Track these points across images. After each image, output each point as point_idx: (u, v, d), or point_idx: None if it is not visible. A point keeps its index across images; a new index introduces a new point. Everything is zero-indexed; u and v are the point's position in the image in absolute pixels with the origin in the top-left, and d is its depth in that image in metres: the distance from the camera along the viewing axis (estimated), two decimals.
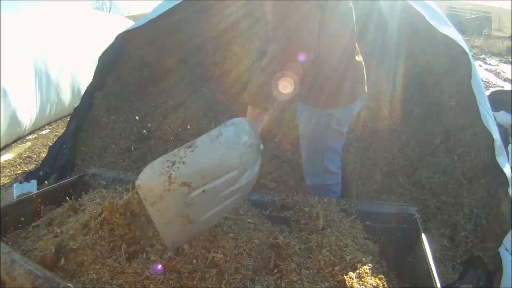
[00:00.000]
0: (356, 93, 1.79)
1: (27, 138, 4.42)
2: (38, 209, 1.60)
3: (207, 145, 1.14)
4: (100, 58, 3.28)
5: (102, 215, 1.33)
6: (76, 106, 3.30)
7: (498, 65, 9.86)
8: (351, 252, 1.30)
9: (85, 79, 5.22)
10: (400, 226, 1.57)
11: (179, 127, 3.27)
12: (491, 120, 2.29)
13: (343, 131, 1.85)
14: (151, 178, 1.08)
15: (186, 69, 3.69)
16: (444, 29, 2.54)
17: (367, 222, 1.58)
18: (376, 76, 2.93)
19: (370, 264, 1.27)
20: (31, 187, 2.71)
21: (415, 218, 1.56)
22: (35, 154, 3.92)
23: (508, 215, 2.03)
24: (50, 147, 3.19)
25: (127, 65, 3.45)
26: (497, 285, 1.82)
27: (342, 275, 1.21)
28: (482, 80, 2.81)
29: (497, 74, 8.70)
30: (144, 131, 3.28)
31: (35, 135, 4.54)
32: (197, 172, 1.11)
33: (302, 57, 1.44)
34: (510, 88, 6.95)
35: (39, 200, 1.63)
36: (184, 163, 1.08)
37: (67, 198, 1.64)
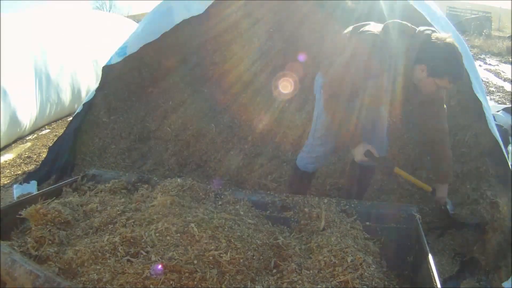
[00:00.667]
0: None
1: (27, 138, 4.41)
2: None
3: None
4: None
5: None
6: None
7: (498, 65, 9.86)
8: (351, 253, 1.30)
9: (85, 79, 5.22)
10: (400, 226, 1.58)
11: (179, 127, 3.27)
12: (492, 121, 2.30)
13: None
14: None
15: (186, 69, 3.69)
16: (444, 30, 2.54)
17: (367, 223, 1.58)
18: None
19: (370, 265, 1.27)
20: (31, 187, 2.71)
21: (415, 219, 1.56)
22: (35, 154, 3.91)
23: (508, 215, 2.04)
24: (50, 147, 3.19)
25: (127, 65, 3.45)
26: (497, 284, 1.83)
27: (343, 275, 1.21)
28: (482, 80, 2.81)
29: (497, 74, 8.70)
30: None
31: (35, 135, 4.53)
32: None
33: None
34: (510, 89, 6.96)
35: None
36: None
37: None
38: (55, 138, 3.68)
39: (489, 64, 9.97)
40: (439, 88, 1.75)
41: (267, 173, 2.88)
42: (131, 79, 3.53)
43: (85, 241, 1.35)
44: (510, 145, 2.73)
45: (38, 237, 1.34)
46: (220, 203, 1.69)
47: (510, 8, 22.50)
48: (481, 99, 2.41)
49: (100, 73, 3.24)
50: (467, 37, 13.13)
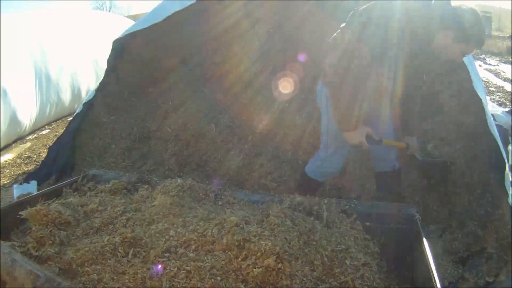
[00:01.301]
0: None
1: (27, 138, 4.42)
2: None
3: None
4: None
5: None
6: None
7: (498, 65, 9.86)
8: (351, 253, 1.30)
9: (85, 79, 5.23)
10: (400, 226, 1.57)
11: (179, 127, 3.27)
12: (492, 121, 2.30)
13: None
14: None
15: (186, 69, 3.69)
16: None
17: (367, 223, 1.58)
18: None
19: (370, 265, 1.27)
20: (31, 187, 2.71)
21: (415, 219, 1.56)
22: (35, 154, 3.92)
23: (508, 215, 2.04)
24: (50, 147, 3.19)
25: (127, 65, 3.45)
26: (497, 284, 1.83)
27: (343, 276, 1.21)
28: (482, 80, 2.81)
29: (497, 74, 8.70)
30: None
31: (35, 135, 4.54)
32: None
33: None
34: (510, 89, 6.96)
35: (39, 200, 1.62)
36: None
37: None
38: (55, 138, 3.69)
39: (489, 64, 9.97)
40: (463, 54, 1.79)
41: (267, 173, 2.88)
42: (131, 79, 3.53)
43: (86, 241, 1.35)
44: (510, 145, 2.73)
45: (39, 237, 1.34)
46: (220, 203, 1.69)
47: (510, 8, 22.50)
48: (482, 97, 2.41)
49: (100, 73, 3.25)
50: None
